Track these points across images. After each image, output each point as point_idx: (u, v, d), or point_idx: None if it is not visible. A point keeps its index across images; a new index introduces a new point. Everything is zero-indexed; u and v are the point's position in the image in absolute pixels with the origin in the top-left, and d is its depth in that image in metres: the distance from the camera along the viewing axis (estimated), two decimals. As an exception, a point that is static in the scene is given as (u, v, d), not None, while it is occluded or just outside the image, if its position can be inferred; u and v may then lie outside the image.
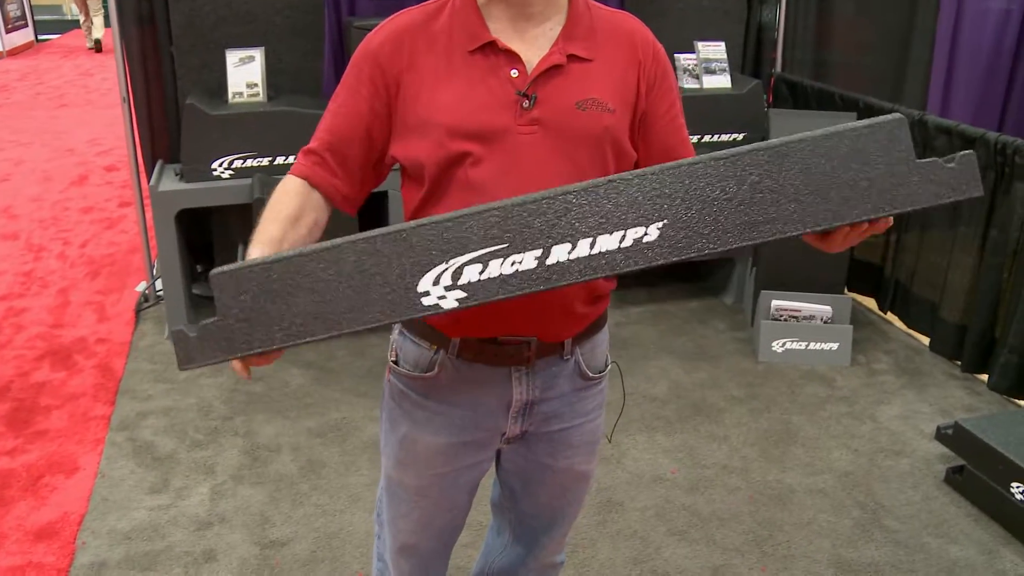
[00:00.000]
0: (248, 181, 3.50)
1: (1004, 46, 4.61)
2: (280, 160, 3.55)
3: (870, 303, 4.03)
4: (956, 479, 2.72)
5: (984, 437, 2.59)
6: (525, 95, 1.33)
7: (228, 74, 3.60)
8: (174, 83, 3.77)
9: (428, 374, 1.47)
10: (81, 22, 11.74)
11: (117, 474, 2.78)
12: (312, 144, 1.42)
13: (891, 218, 1.08)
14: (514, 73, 1.34)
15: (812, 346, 3.49)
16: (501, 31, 1.36)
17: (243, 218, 3.60)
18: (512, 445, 1.57)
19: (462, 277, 0.96)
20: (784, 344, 3.50)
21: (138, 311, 3.93)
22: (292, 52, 3.86)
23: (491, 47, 1.35)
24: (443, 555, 1.71)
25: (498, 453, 1.64)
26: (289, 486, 2.73)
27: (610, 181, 0.97)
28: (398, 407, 1.54)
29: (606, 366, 1.58)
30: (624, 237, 0.94)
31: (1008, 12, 4.55)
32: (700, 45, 4.13)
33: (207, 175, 3.51)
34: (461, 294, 0.96)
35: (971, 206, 3.35)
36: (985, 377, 3.36)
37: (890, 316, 3.91)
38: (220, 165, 3.50)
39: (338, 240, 1.03)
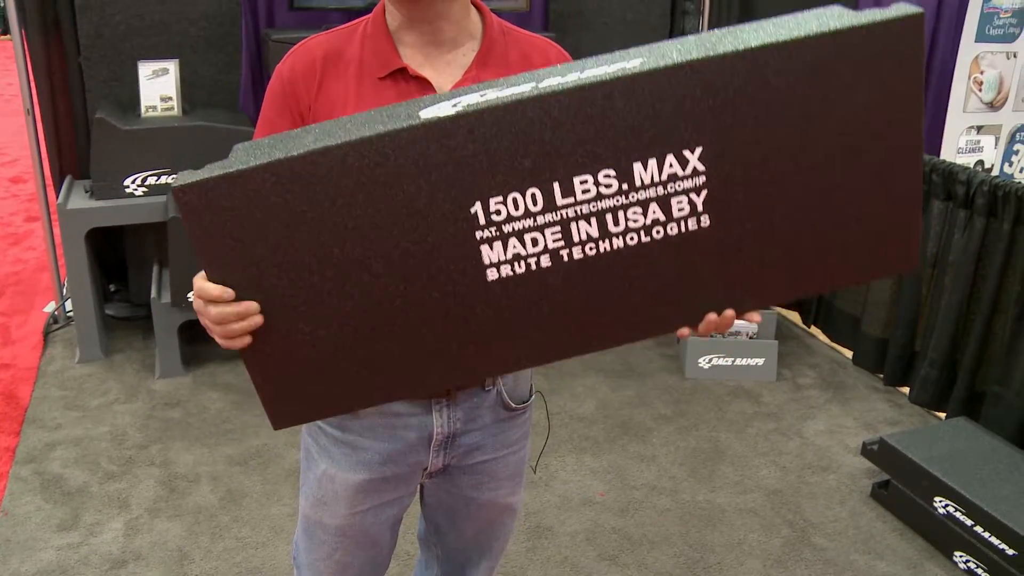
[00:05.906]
0: (162, 199, 3.38)
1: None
2: (196, 177, 3.42)
3: (794, 317, 4.07)
4: (882, 494, 2.74)
5: (908, 452, 2.61)
6: None
7: (140, 87, 3.47)
8: (83, 95, 3.63)
9: (345, 409, 1.41)
10: None
11: (22, 511, 2.63)
12: None
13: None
14: None
15: (738, 362, 3.50)
16: (412, 57, 1.31)
17: (158, 236, 3.48)
18: (434, 479, 1.53)
19: (462, 103, 1.06)
20: (711, 360, 3.51)
21: (46, 334, 3.75)
22: (208, 65, 3.75)
23: (402, 74, 1.30)
24: (368, 596, 1.65)
25: (421, 487, 1.59)
26: (209, 518, 2.62)
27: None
28: (315, 443, 1.48)
29: (530, 395, 1.54)
30: (611, 65, 1.07)
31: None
32: (625, 60, 4.13)
33: (119, 192, 3.38)
34: (460, 108, 1.05)
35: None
36: (906, 390, 3.41)
37: (814, 330, 3.95)
38: (133, 182, 3.37)
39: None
